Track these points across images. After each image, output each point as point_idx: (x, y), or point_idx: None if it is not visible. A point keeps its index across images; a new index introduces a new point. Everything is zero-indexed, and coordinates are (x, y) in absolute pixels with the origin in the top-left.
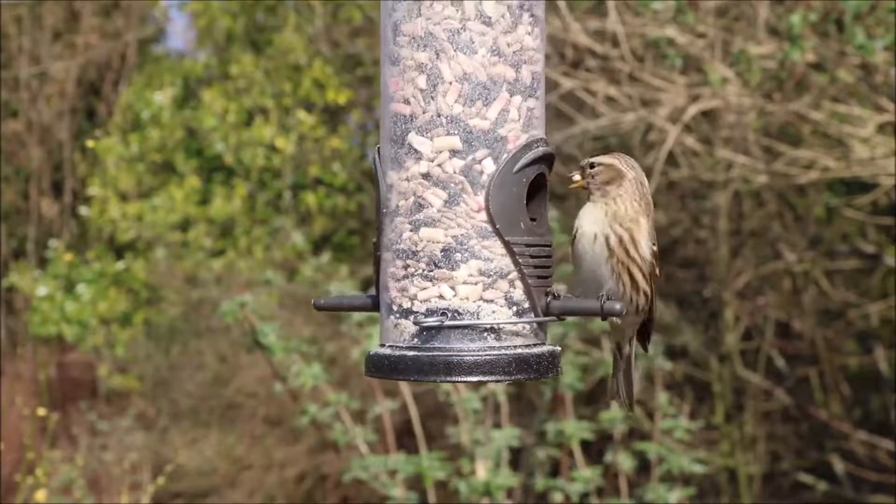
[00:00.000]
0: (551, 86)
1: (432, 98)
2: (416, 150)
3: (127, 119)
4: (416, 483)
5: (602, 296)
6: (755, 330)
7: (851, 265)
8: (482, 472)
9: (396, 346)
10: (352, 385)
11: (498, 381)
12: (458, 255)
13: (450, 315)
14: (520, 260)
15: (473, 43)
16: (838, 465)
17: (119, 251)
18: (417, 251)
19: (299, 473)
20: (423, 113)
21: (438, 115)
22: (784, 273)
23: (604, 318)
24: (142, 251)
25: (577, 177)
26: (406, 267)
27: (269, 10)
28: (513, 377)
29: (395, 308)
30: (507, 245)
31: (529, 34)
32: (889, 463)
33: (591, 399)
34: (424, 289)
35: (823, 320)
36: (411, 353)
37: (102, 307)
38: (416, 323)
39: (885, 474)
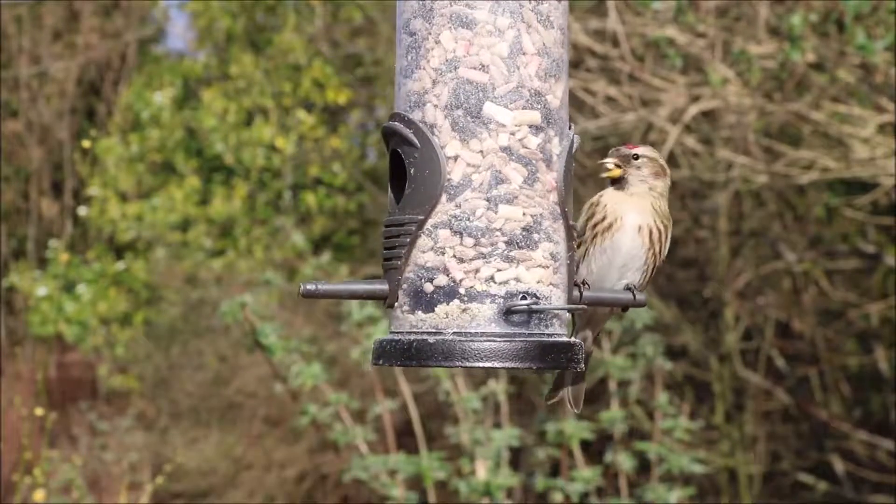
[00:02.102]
0: None
1: (516, 68)
2: (496, 122)
3: (127, 119)
4: (416, 483)
5: (631, 287)
6: (755, 330)
7: (851, 265)
8: (482, 472)
9: (467, 332)
10: (352, 385)
11: (566, 370)
12: (536, 235)
13: (529, 298)
14: (573, 245)
15: (551, 17)
16: (838, 465)
17: (119, 251)
18: (495, 229)
19: (299, 473)
20: (506, 83)
21: (521, 87)
22: (784, 273)
23: (625, 310)
24: (142, 251)
25: (611, 165)
26: (478, 245)
27: (269, 10)
28: (578, 367)
29: (461, 291)
30: (568, 229)
31: (521, 11)
32: (889, 463)
33: (592, 399)
34: (502, 270)
35: (823, 320)
36: (499, 339)
37: (102, 307)
38: (506, 307)
39: (885, 474)
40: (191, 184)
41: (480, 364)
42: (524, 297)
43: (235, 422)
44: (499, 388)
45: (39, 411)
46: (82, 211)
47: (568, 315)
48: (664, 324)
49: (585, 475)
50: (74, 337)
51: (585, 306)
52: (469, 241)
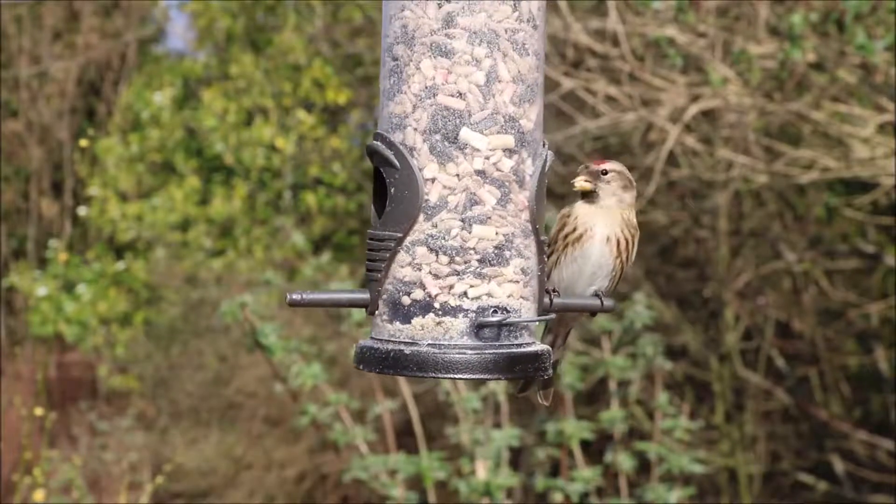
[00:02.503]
0: (552, 86)
1: (492, 95)
2: (471, 147)
3: (127, 119)
4: (416, 483)
5: (599, 293)
6: (755, 330)
7: (851, 265)
8: (482, 472)
9: (441, 346)
10: (352, 385)
11: (534, 378)
12: (507, 252)
13: (499, 312)
14: (543, 258)
15: (526, 45)
16: (838, 465)
17: (119, 251)
18: (468, 248)
19: (299, 473)
20: (482, 109)
21: (496, 113)
22: (784, 273)
23: (593, 315)
24: (142, 251)
25: (582, 181)
26: (452, 263)
27: (269, 10)
28: (542, 375)
29: (436, 305)
30: (539, 244)
31: (498, 41)
32: (889, 463)
33: (591, 399)
34: (474, 286)
35: (823, 320)
36: (470, 352)
37: (102, 307)
38: (478, 322)
39: (885, 474)
40: (191, 184)
41: (452, 375)
42: (495, 312)
43: (235, 422)
44: (499, 388)
45: (39, 411)
46: (82, 211)
47: (535, 325)
48: (664, 324)
49: (585, 475)
50: (74, 337)
51: (553, 315)
52: (444, 258)
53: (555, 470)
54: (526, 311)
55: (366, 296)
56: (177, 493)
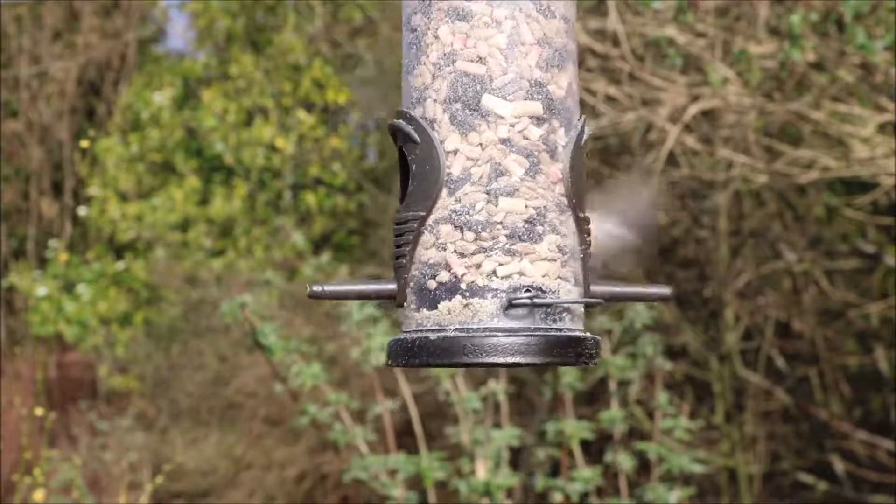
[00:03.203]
0: None
1: (515, 59)
2: (494, 114)
3: (127, 119)
4: (416, 483)
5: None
6: (755, 330)
7: (851, 265)
8: (482, 472)
9: (469, 329)
10: (352, 385)
11: (586, 365)
12: (539, 227)
13: (532, 292)
14: (586, 238)
15: (552, 7)
16: (838, 465)
17: (119, 251)
18: (495, 222)
19: (299, 473)
20: (504, 74)
21: (521, 78)
22: (784, 273)
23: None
24: (142, 251)
25: None
26: (478, 240)
27: (269, 10)
28: (590, 362)
29: (462, 287)
30: (578, 221)
31: (571, 4)
32: (889, 463)
33: (591, 399)
34: (504, 264)
35: (823, 320)
36: (501, 334)
37: (102, 307)
38: (509, 301)
39: (885, 474)
40: (191, 184)
41: (482, 361)
42: (527, 291)
43: (235, 422)
44: (499, 388)
45: (39, 411)
46: (82, 211)
47: (582, 309)
48: (664, 324)
49: (585, 475)
50: (74, 337)
51: (601, 301)
52: (470, 235)
53: (555, 470)
54: (565, 292)
55: (393, 286)
56: (177, 493)
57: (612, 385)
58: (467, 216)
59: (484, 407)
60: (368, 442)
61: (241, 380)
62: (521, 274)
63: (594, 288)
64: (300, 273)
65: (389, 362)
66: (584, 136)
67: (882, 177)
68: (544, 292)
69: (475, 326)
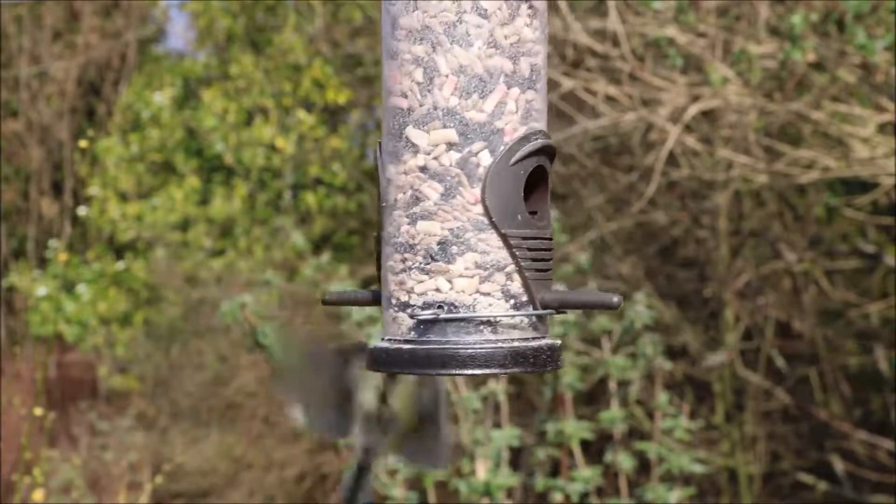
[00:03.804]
0: (551, 86)
1: (429, 91)
2: (413, 144)
3: (127, 119)
4: (416, 483)
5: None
6: (755, 330)
7: (851, 265)
8: (482, 472)
9: (394, 340)
10: None
11: (494, 374)
12: (455, 247)
13: (446, 308)
14: (517, 252)
15: (469, 35)
16: (838, 465)
17: (119, 251)
18: (414, 244)
19: (299, 473)
20: (420, 106)
21: (435, 108)
22: (784, 273)
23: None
24: (142, 251)
25: None
26: (403, 260)
27: (269, 10)
28: (509, 370)
29: (393, 302)
30: (503, 237)
31: (528, 26)
32: (889, 463)
33: (591, 399)
34: (421, 282)
35: (823, 320)
36: (407, 346)
37: (102, 307)
38: (412, 316)
39: (885, 474)
40: (191, 184)
41: (394, 370)
42: (440, 307)
43: (235, 422)
44: (499, 388)
45: (39, 411)
46: (82, 211)
47: (525, 320)
48: (664, 324)
49: (585, 475)
50: (74, 337)
51: (551, 311)
52: (397, 256)
53: (555, 470)
54: (487, 306)
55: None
56: (177, 493)
57: (612, 385)
58: (395, 239)
59: (484, 407)
60: None
61: (241, 380)
62: (437, 290)
63: (545, 296)
64: (300, 273)
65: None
66: (520, 153)
67: (882, 177)
68: (456, 307)
69: (397, 338)
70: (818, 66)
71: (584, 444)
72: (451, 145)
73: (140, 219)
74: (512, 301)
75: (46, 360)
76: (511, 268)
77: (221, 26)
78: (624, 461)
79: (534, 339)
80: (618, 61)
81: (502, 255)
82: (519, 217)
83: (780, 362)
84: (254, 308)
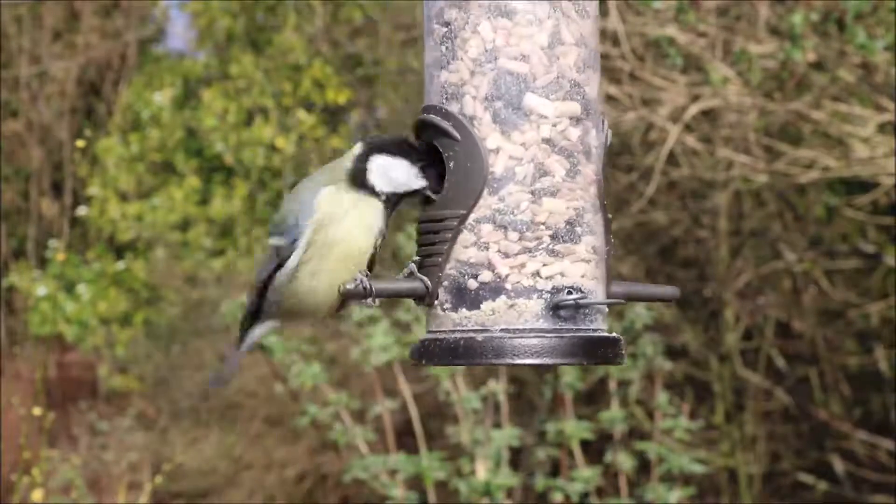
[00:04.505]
0: None
1: (556, 59)
2: (537, 113)
3: (127, 119)
4: (416, 483)
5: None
6: (755, 330)
7: (851, 265)
8: (482, 472)
9: (516, 329)
10: (352, 385)
11: (613, 364)
12: (579, 228)
13: (574, 293)
14: (611, 238)
15: (587, 7)
16: (838, 465)
17: (119, 251)
18: (539, 222)
19: (299, 473)
20: (546, 73)
21: (562, 77)
22: (784, 273)
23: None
24: (142, 251)
25: None
26: (522, 240)
27: (269, 10)
28: (621, 361)
29: (507, 287)
30: (606, 222)
31: (597, 3)
32: (889, 463)
33: (591, 399)
34: (548, 265)
35: (823, 320)
36: (549, 335)
37: (102, 307)
38: (554, 303)
39: (885, 474)
40: (191, 184)
41: (532, 361)
42: (570, 292)
43: (235, 422)
44: (499, 388)
45: (39, 411)
46: (82, 211)
47: (606, 309)
48: (664, 324)
49: (585, 475)
50: (74, 337)
51: (623, 301)
52: (514, 235)
53: (555, 470)
54: (598, 293)
55: (423, 284)
56: (177, 493)
57: (612, 385)
58: (511, 216)
59: (484, 407)
60: (368, 442)
61: (241, 380)
62: (562, 275)
63: (613, 288)
64: None
65: (424, 361)
66: (609, 139)
67: (882, 177)
68: (583, 293)
69: (521, 327)
70: (818, 65)
71: (584, 444)
72: (574, 120)
73: (140, 219)
74: (604, 289)
75: (46, 360)
76: (605, 254)
77: (221, 26)
78: (624, 461)
79: (609, 330)
80: (618, 61)
81: (603, 240)
82: (606, 202)
83: (780, 362)
84: None
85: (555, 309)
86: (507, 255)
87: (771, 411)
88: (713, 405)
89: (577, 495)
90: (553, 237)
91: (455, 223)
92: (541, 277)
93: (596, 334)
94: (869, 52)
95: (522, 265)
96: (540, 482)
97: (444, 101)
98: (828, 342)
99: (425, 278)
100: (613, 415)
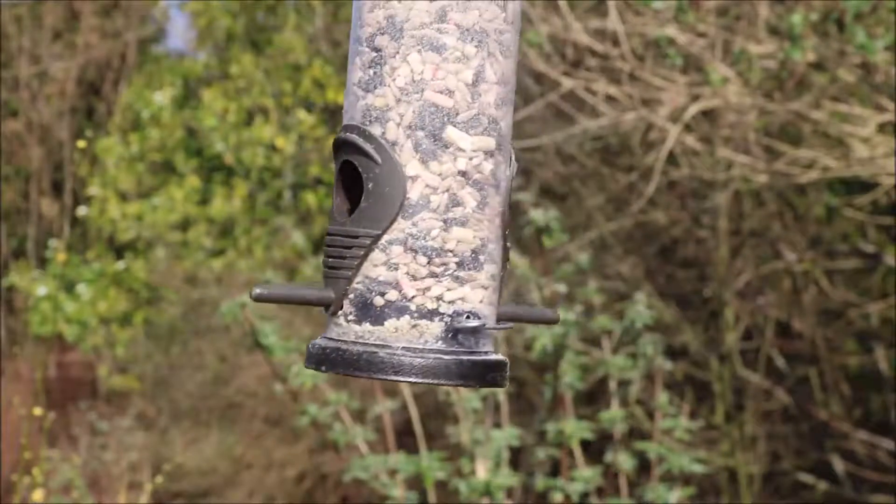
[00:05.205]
0: (552, 85)
1: (478, 95)
2: (456, 146)
3: (127, 119)
4: (416, 483)
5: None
6: (755, 330)
7: (851, 265)
8: (482, 472)
9: (416, 349)
10: (352, 385)
11: (501, 386)
12: (482, 257)
13: (472, 318)
14: (506, 265)
15: (511, 47)
16: (838, 465)
17: (119, 251)
18: (447, 249)
19: (299, 473)
20: (468, 109)
21: (481, 114)
22: (784, 273)
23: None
24: (142, 251)
25: None
26: (430, 264)
27: (269, 9)
28: (503, 384)
29: (412, 308)
30: (505, 250)
31: (488, 41)
32: (889, 463)
33: (591, 399)
34: (451, 290)
35: (823, 320)
36: (446, 357)
37: (102, 307)
38: (454, 326)
39: (885, 474)
40: (191, 184)
41: (428, 381)
42: (468, 317)
43: (235, 422)
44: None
45: (39, 411)
46: (82, 211)
47: (497, 332)
48: (664, 324)
49: (585, 475)
50: (74, 337)
51: (512, 325)
52: (423, 259)
53: (555, 470)
54: (493, 317)
55: (331, 294)
56: (177, 493)
57: (612, 385)
58: (423, 241)
59: (484, 407)
60: (368, 442)
61: (241, 380)
62: (463, 300)
63: (502, 310)
64: (300, 273)
65: (324, 368)
66: (514, 172)
67: (882, 177)
68: (480, 318)
69: (422, 347)
70: (818, 66)
71: (584, 444)
72: (489, 154)
73: (140, 219)
74: (495, 313)
75: (46, 360)
76: (499, 280)
77: (221, 26)
78: (624, 461)
79: (493, 353)
80: (618, 61)
81: (500, 268)
82: (508, 231)
83: (780, 362)
84: (254, 308)
85: (454, 333)
86: (414, 278)
87: (771, 411)
88: (713, 405)
89: (577, 495)
90: (459, 264)
91: (368, 242)
92: (444, 301)
93: (488, 357)
94: (869, 52)
95: (428, 288)
96: (540, 482)
97: (367, 122)
98: (828, 342)
99: (330, 291)
100: (613, 415)
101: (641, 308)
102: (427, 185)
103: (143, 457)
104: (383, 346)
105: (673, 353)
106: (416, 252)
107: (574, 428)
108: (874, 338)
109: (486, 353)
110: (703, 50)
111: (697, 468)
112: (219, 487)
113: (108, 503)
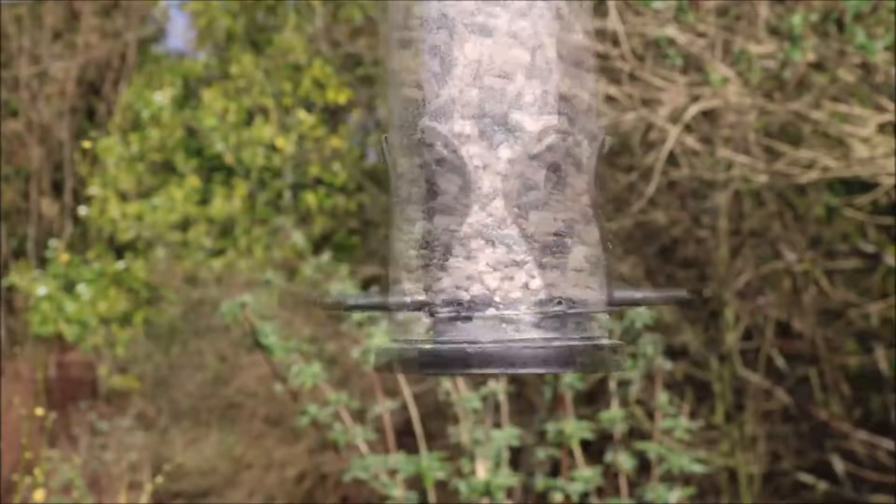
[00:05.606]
0: None
1: (539, 74)
2: (522, 129)
3: (127, 119)
4: (416, 483)
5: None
6: (755, 330)
7: (851, 265)
8: (482, 471)
9: (504, 341)
10: (352, 385)
11: (607, 371)
12: (568, 240)
13: (563, 303)
14: (609, 246)
15: (572, 20)
16: (838, 465)
17: (119, 251)
18: (527, 236)
19: (299, 473)
20: (530, 90)
21: (546, 93)
22: (784, 273)
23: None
24: (142, 251)
25: None
26: (510, 253)
27: (269, 9)
28: (613, 368)
29: (496, 299)
30: (602, 231)
31: (542, 18)
32: (889, 463)
33: (591, 399)
34: (535, 276)
35: (823, 320)
36: (536, 345)
37: (102, 307)
38: (541, 313)
39: (885, 474)
40: (191, 184)
41: (522, 370)
42: (559, 303)
43: (235, 422)
44: (499, 388)
45: (39, 411)
46: (82, 211)
47: (606, 316)
48: (664, 324)
49: (585, 475)
50: (74, 337)
51: (618, 308)
52: (502, 249)
53: (555, 470)
54: (592, 302)
55: (422, 296)
56: (177, 493)
57: (612, 385)
58: (499, 230)
59: (484, 407)
60: (368, 442)
61: (241, 380)
62: (552, 286)
63: (616, 294)
64: (300, 273)
65: (421, 370)
66: (605, 147)
67: (882, 177)
68: (574, 303)
69: (510, 338)
70: (818, 66)
71: (584, 444)
72: (561, 133)
73: (140, 218)
74: (603, 297)
75: (46, 360)
76: (603, 262)
77: (221, 26)
78: (624, 461)
79: (608, 337)
80: (618, 61)
81: (599, 249)
82: (601, 210)
83: (780, 362)
84: (254, 308)
85: (542, 319)
86: (495, 269)
87: (771, 411)
88: (713, 405)
89: (577, 495)
90: (541, 249)
91: (447, 238)
92: (529, 289)
93: (585, 343)
94: (869, 53)
95: (511, 277)
96: (540, 482)
97: (430, 118)
98: (828, 342)
99: (421, 293)
100: (613, 415)
101: (641, 308)
102: (497, 173)
103: (143, 457)
104: (472, 343)
105: (673, 353)
106: (494, 242)
107: (574, 428)
108: (874, 338)
109: (587, 337)
110: (703, 50)
111: (697, 468)
112: (219, 487)
113: (108, 503)
